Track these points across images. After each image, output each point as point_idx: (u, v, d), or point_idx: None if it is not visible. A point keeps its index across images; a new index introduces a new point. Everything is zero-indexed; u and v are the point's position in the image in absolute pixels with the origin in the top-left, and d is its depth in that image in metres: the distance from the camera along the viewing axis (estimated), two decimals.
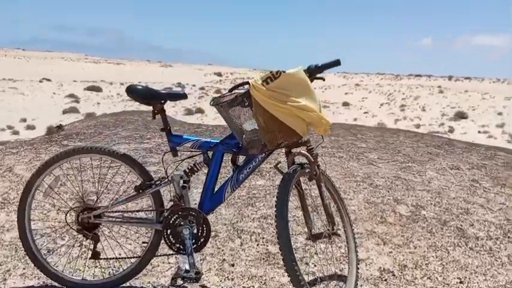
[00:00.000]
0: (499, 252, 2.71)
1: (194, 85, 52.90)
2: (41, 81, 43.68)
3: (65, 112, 30.53)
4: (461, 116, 35.21)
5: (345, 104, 42.17)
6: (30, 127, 24.87)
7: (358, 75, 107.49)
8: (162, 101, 2.10)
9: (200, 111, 31.44)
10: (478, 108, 39.38)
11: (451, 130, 28.02)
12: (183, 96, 2.17)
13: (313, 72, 2.15)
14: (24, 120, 27.02)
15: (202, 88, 47.89)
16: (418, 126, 29.81)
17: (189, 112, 31.15)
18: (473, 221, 3.17)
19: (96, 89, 41.88)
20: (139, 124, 5.16)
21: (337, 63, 2.12)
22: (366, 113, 37.15)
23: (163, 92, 2.13)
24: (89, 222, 2.15)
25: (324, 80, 2.26)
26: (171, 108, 32.47)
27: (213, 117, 29.67)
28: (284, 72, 1.93)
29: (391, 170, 4.32)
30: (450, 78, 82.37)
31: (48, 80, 48.34)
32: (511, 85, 66.96)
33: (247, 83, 1.96)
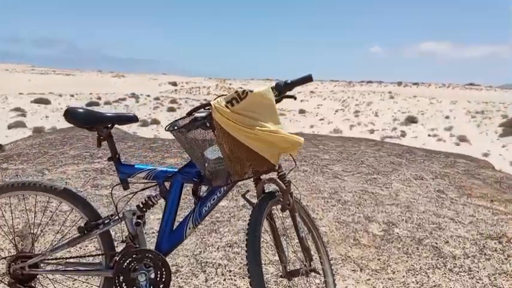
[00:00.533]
0: (478, 272, 2.59)
1: (149, 95, 51.71)
2: None
3: (10, 127, 28.79)
4: (411, 120, 36.59)
5: (301, 111, 42.71)
6: None
7: (312, 83, 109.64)
8: (109, 125, 1.81)
9: (155, 122, 30.67)
10: (427, 113, 41.13)
11: (403, 134, 29.00)
12: (133, 119, 1.89)
13: (283, 90, 1.90)
14: None
15: (157, 98, 46.90)
16: (372, 131, 30.63)
17: (144, 123, 30.27)
18: (447, 237, 3.06)
19: (44, 101, 39.91)
20: (90, 141, 4.73)
21: (309, 79, 1.88)
22: (321, 119, 37.78)
23: (109, 114, 1.82)
24: (23, 274, 1.79)
25: (295, 99, 2.03)
26: None
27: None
28: (251, 91, 1.68)
29: (357, 183, 4.19)
30: (400, 84, 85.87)
31: None
32: (456, 90, 70.73)
33: (209, 104, 1.69)
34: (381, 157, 5.26)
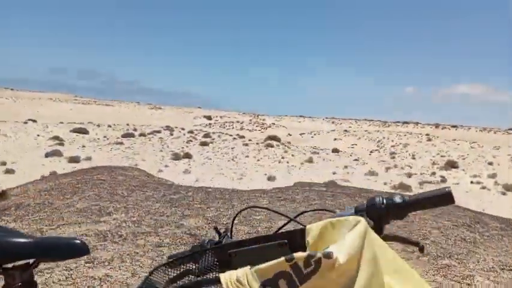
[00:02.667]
0: None
1: (183, 128, 52.44)
2: (25, 123, 42.77)
3: (47, 155, 29.45)
4: (451, 165, 34.95)
5: (335, 150, 41.80)
6: (9, 171, 23.70)
7: (346, 121, 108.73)
8: (29, 262, 1.05)
9: (187, 156, 30.63)
10: (468, 157, 39.32)
11: (443, 180, 27.56)
12: (77, 250, 1.08)
13: (385, 216, 0.99)
14: (3, 163, 25.85)
15: (191, 131, 47.39)
16: (409, 175, 29.32)
17: (176, 157, 30.30)
18: None
19: (82, 131, 41.06)
20: (105, 187, 4.37)
21: (446, 197, 0.96)
22: (356, 160, 36.70)
23: (30, 242, 1.04)
24: None
25: (422, 250, 1.01)
26: (159, 153, 31.68)
27: (201, 163, 28.87)
28: (330, 256, 0.71)
29: (426, 272, 3.20)
30: (437, 126, 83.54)
31: (34, 121, 47.49)
32: (498, 134, 67.93)
33: (218, 280, 0.77)
34: (447, 229, 4.37)
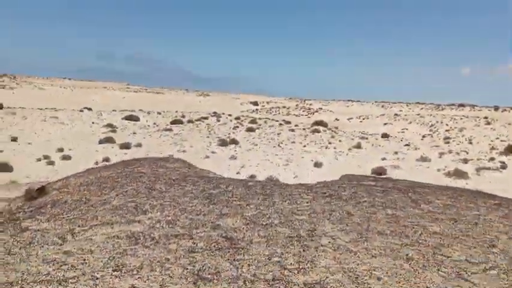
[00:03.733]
0: None
1: (230, 114, 52.78)
2: (81, 111, 44.76)
3: (101, 142, 30.67)
4: None
5: (384, 135, 40.35)
6: (66, 157, 24.91)
7: (396, 105, 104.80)
8: None
9: (234, 141, 30.74)
10: None
11: (503, 166, 25.78)
12: None
13: None
14: (61, 150, 27.21)
15: (237, 118, 47.56)
16: (465, 160, 27.71)
17: (223, 143, 30.52)
18: None
19: (133, 118, 42.39)
20: (144, 181, 4.26)
21: None
22: (407, 145, 35.23)
23: None
24: None
25: None
26: (206, 139, 32.04)
27: (247, 148, 28.87)
28: None
29: None
30: (496, 108, 78.44)
31: (89, 109, 49.64)
32: None
33: None
34: None
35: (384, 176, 5.38)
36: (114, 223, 3.30)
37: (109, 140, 30.19)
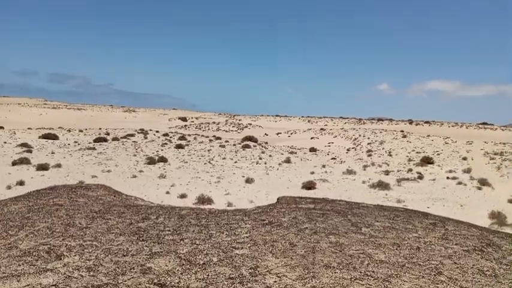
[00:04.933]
0: None
1: (158, 131, 51.34)
2: None
3: (14, 163, 28.06)
4: (427, 161, 35.26)
5: (312, 149, 41.68)
6: None
7: (322, 120, 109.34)
8: None
9: (163, 160, 29.79)
10: (442, 153, 39.81)
11: (420, 176, 27.68)
12: None
13: None
14: None
15: (166, 134, 46.37)
16: (387, 172, 29.36)
17: (151, 161, 29.42)
18: None
19: (51, 136, 39.54)
20: (61, 216, 3.71)
21: None
22: (333, 159, 36.62)
23: None
24: None
25: None
26: (133, 157, 30.69)
27: (176, 166, 28.07)
28: None
29: None
30: (411, 122, 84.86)
31: (1, 127, 45.57)
32: (470, 129, 69.45)
33: None
34: (458, 257, 3.67)
35: (321, 197, 5.21)
36: (21, 274, 2.69)
37: (23, 161, 27.72)
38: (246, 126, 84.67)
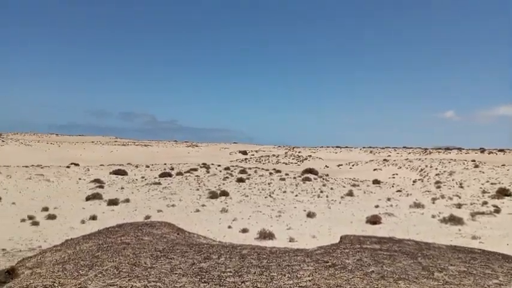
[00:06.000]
0: None
1: (219, 165, 52.47)
2: (68, 167, 44.08)
3: (88, 199, 29.87)
4: (504, 193, 32.61)
5: (376, 181, 40.22)
6: (51, 216, 24.04)
7: (384, 150, 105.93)
8: None
9: (224, 193, 30.19)
10: None
11: (497, 210, 25.57)
12: None
13: None
14: (46, 209, 26.35)
15: (227, 168, 47.23)
16: (459, 205, 27.47)
17: (213, 195, 29.94)
18: None
19: (121, 172, 41.77)
20: (128, 255, 3.84)
21: None
22: (399, 191, 35.03)
23: None
24: None
25: None
26: (196, 191, 31.44)
27: (238, 200, 28.30)
28: None
29: None
30: (483, 151, 79.58)
31: (76, 164, 48.98)
32: None
33: None
34: None
35: (388, 237, 4.89)
36: None
37: (96, 196, 29.42)
38: (306, 158, 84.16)
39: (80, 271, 3.40)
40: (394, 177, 52.91)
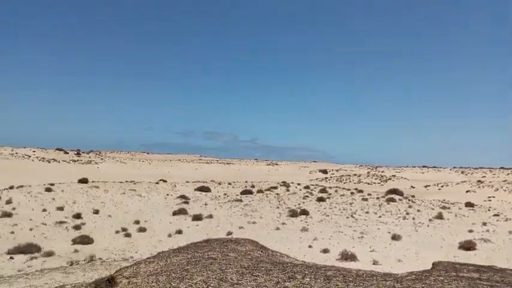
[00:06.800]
0: None
1: (299, 184, 52.24)
2: (157, 183, 46.87)
3: (174, 213, 31.51)
4: None
5: (469, 204, 37.13)
6: (142, 229, 25.73)
7: (478, 171, 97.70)
8: None
9: (304, 212, 29.95)
10: None
11: None
12: None
13: None
14: (137, 222, 28.24)
15: (307, 187, 46.87)
16: None
17: (293, 213, 29.87)
18: None
19: (205, 189, 43.39)
20: (215, 270, 3.97)
21: None
22: (496, 215, 31.97)
23: None
24: None
25: None
26: (276, 209, 31.59)
27: (318, 219, 27.89)
28: None
29: None
30: None
31: (164, 181, 51.89)
32: None
33: None
34: None
35: (487, 265, 4.47)
36: None
37: (182, 212, 30.94)
38: (390, 178, 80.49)
39: (172, 283, 3.60)
40: (490, 200, 48.47)
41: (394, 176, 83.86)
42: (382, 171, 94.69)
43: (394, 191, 42.58)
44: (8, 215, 28.99)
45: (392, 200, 36.04)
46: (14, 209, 30.08)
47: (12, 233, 25.26)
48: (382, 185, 72.13)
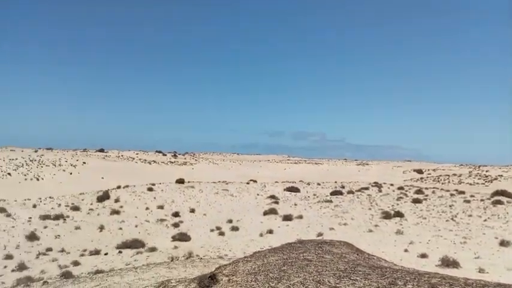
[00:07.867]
0: None
1: (392, 184, 49.93)
2: (247, 183, 48.15)
3: (265, 213, 32.11)
4: None
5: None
6: (234, 228, 26.69)
7: None
8: None
9: (399, 214, 28.56)
10: None
11: None
12: None
13: None
14: (230, 221, 29.33)
15: (400, 188, 44.61)
16: None
17: (386, 215, 28.68)
18: None
19: (294, 189, 43.53)
20: (311, 272, 3.98)
21: None
22: None
23: None
24: None
25: None
26: (368, 211, 30.62)
27: (414, 222, 26.43)
28: None
29: None
30: None
31: (254, 181, 53.11)
32: None
33: None
34: None
35: None
36: None
37: (272, 212, 31.43)
38: (496, 178, 73.27)
39: (270, 283, 3.69)
40: None
41: (501, 175, 76.10)
42: (487, 171, 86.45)
43: (502, 193, 38.61)
44: (116, 212, 31.98)
45: (500, 202, 32.76)
46: (121, 207, 33.10)
47: (120, 229, 27.81)
48: (486, 185, 65.98)
